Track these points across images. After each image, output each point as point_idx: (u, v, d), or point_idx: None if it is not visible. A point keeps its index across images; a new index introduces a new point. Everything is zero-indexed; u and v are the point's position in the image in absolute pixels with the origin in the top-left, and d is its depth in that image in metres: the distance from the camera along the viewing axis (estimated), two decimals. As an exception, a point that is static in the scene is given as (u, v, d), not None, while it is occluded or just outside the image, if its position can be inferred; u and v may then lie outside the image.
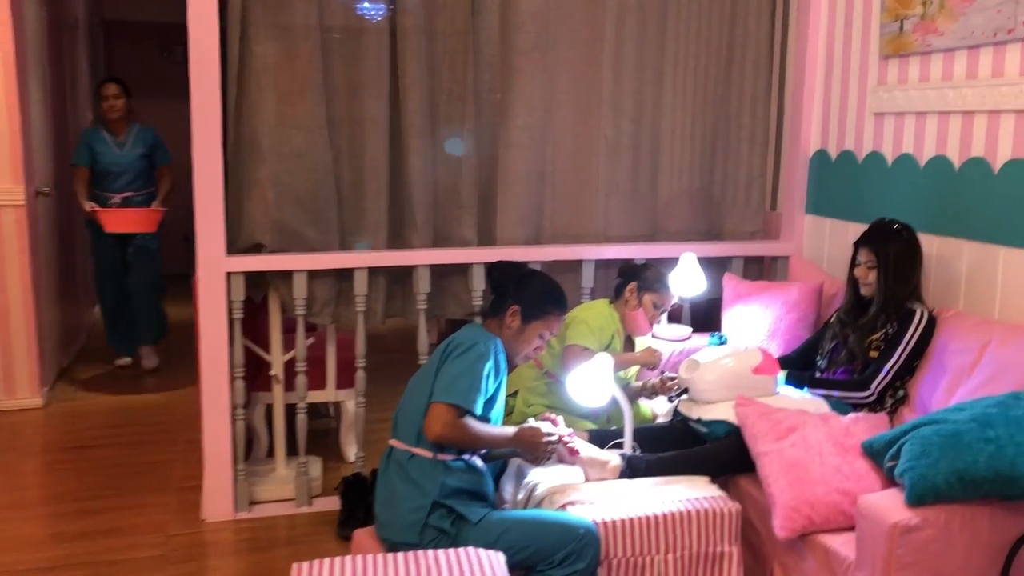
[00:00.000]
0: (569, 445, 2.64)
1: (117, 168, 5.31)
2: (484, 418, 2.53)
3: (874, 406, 2.98)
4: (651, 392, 3.33)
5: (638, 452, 2.84)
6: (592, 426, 3.14)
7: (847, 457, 2.58)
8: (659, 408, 3.43)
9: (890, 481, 2.47)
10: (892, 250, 3.00)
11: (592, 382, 2.73)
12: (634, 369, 3.41)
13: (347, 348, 3.85)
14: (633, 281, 3.30)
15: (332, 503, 3.57)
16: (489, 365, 2.49)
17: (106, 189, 5.30)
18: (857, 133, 3.65)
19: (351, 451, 3.94)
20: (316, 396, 3.95)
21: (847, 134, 3.72)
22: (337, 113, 3.51)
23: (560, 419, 2.74)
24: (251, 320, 3.77)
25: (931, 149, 3.27)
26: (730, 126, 4.03)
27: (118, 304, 5.56)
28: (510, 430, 2.58)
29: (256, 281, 3.52)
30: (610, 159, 3.87)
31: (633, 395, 3.37)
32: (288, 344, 3.68)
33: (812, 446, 2.61)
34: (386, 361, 4.81)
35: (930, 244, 3.19)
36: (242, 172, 3.41)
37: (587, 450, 2.69)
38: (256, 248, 3.47)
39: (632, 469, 2.71)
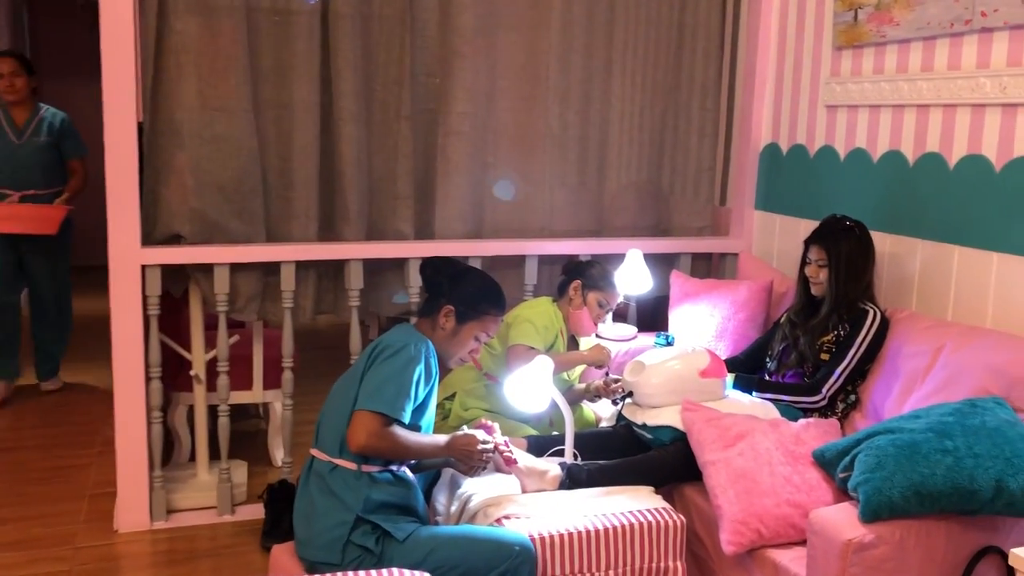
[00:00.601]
0: (505, 454, 2.46)
1: (13, 159, 4.46)
2: (414, 426, 2.35)
3: (825, 411, 2.86)
4: (594, 395, 3.17)
5: (579, 461, 2.68)
6: (533, 432, 2.97)
7: (798, 466, 2.45)
8: (603, 412, 3.28)
9: (843, 493, 2.35)
10: (844, 248, 2.88)
11: (531, 386, 2.56)
12: (578, 371, 3.25)
13: (276, 346, 3.60)
14: (577, 279, 3.14)
15: (257, 511, 3.36)
16: (419, 370, 2.30)
17: (1, 185, 4.44)
18: (809, 126, 3.53)
19: (279, 455, 3.72)
20: (242, 397, 3.74)
21: (799, 127, 3.59)
22: (264, 96, 3.28)
23: (496, 426, 2.56)
24: (171, 316, 3.55)
25: (885, 143, 3.16)
26: (679, 118, 3.89)
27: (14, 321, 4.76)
28: (441, 439, 2.40)
29: (175, 275, 3.29)
30: (555, 150, 3.70)
31: (575, 398, 3.21)
32: (211, 341, 3.45)
33: (761, 455, 2.47)
34: (323, 358, 4.58)
35: (883, 242, 3.08)
36: (159, 158, 3.17)
37: (525, 459, 2.52)
38: (175, 239, 3.24)
39: (572, 479, 2.55)
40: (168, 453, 3.72)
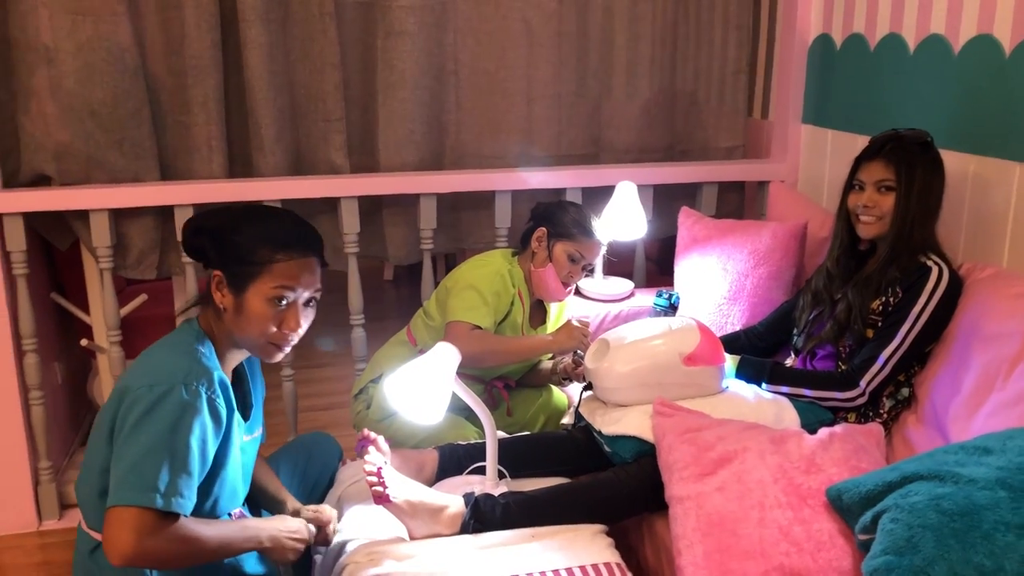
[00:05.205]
0: (375, 487, 1.73)
1: None
2: (207, 506, 1.65)
3: (866, 411, 2.04)
4: (562, 377, 2.42)
5: (503, 486, 1.93)
6: (473, 434, 2.24)
7: (802, 510, 1.66)
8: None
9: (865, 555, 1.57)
10: (919, 170, 2.01)
11: (423, 387, 1.81)
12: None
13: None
14: (542, 226, 2.36)
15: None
16: (199, 421, 1.54)
17: None
18: (870, 9, 2.60)
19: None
20: (167, 365, 3.13)
21: (856, 11, 2.66)
22: (143, -8, 2.59)
23: (380, 439, 1.85)
24: (72, 271, 2.96)
25: (971, 28, 2.23)
26: (702, 4, 3.00)
27: None
28: (253, 532, 1.66)
29: (56, 224, 2.67)
30: (535, 50, 2.88)
31: (541, 380, 2.48)
32: (124, 299, 2.85)
33: (751, 490, 1.69)
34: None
35: (964, 166, 2.19)
36: (13, 78, 2.52)
37: (407, 491, 1.77)
38: (43, 181, 2.60)
39: (479, 519, 1.80)
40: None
